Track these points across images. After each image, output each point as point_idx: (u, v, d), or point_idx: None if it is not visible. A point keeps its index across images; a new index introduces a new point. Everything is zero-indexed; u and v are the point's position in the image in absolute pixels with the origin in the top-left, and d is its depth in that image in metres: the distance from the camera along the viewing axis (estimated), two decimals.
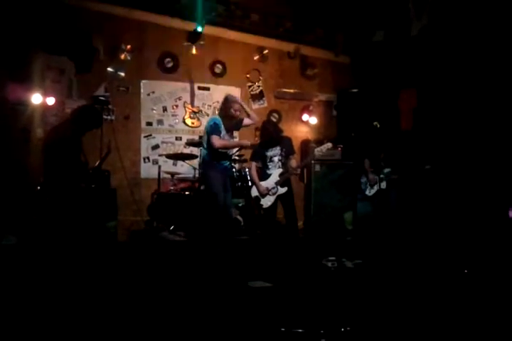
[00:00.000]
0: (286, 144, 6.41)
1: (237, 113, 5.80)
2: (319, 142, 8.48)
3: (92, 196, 5.78)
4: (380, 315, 3.94)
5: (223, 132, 5.75)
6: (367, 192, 6.91)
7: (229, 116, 5.76)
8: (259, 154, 6.43)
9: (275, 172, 6.28)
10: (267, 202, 6.28)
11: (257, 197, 6.33)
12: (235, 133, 7.29)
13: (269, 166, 6.35)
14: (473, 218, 6.28)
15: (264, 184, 6.30)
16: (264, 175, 6.37)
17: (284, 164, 6.29)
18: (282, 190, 6.23)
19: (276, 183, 6.23)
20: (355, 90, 8.74)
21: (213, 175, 5.74)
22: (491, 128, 6.44)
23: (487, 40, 6.54)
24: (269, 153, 6.35)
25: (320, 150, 6.21)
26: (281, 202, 6.36)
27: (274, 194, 6.25)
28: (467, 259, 5.51)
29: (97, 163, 5.97)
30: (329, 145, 6.20)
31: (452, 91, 7.07)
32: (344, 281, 5.15)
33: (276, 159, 6.32)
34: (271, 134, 6.33)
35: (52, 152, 5.28)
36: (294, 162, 6.34)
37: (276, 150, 6.33)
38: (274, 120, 8.99)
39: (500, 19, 6.35)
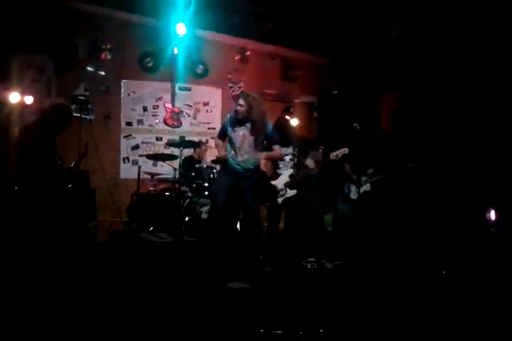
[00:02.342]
0: (301, 145, 6.17)
1: (238, 108, 5.29)
2: None
3: (71, 196, 5.72)
4: (359, 316, 3.96)
5: (229, 128, 5.42)
6: (351, 196, 6.91)
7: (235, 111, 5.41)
8: None
9: (285, 173, 6.01)
10: None
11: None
12: None
13: (280, 165, 6.08)
14: (451, 220, 6.33)
15: (272, 184, 6.04)
16: (273, 174, 6.09)
17: (296, 165, 6.05)
18: (291, 193, 5.97)
19: (286, 185, 5.96)
20: (336, 92, 8.78)
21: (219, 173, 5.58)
22: (471, 130, 6.50)
23: (467, 42, 6.62)
24: None
25: (335, 156, 5.92)
26: (284, 206, 6.09)
27: (282, 196, 5.99)
28: (445, 260, 5.56)
29: (73, 164, 5.89)
30: (346, 150, 5.91)
31: (433, 93, 7.14)
32: (324, 282, 5.17)
33: (287, 158, 6.05)
34: (285, 132, 6.06)
35: (25, 152, 5.20)
36: (310, 162, 6.10)
37: (289, 149, 6.07)
38: None
39: (480, 22, 6.42)
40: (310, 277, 5.45)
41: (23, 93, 6.94)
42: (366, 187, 6.80)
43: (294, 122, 9.02)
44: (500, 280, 4.79)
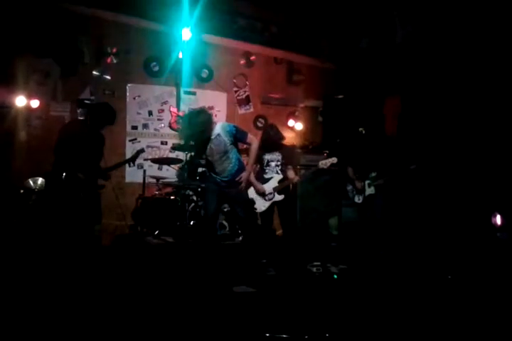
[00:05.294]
0: (287, 153, 6.30)
1: None
2: (304, 147, 8.54)
3: (78, 200, 5.73)
4: (365, 321, 3.95)
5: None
6: (356, 200, 6.89)
7: None
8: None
9: (275, 178, 6.15)
10: (261, 206, 6.13)
11: (252, 199, 6.12)
12: None
13: (266, 170, 6.21)
14: (456, 224, 6.32)
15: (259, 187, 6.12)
16: (260, 179, 6.18)
17: (283, 171, 6.19)
18: (279, 197, 6.10)
19: (274, 189, 6.10)
20: (340, 96, 8.79)
21: None
22: (476, 134, 6.50)
23: (470, 47, 6.63)
24: (267, 157, 6.22)
25: (324, 164, 6.15)
26: (277, 210, 6.25)
27: (269, 200, 6.11)
28: (451, 265, 5.54)
29: (112, 165, 6.05)
30: (334, 159, 6.13)
31: (436, 97, 7.14)
32: (329, 286, 5.16)
33: (273, 164, 6.19)
34: (271, 138, 6.18)
35: (68, 147, 5.34)
36: (291, 173, 6.25)
37: (275, 155, 6.20)
38: (260, 125, 9.02)
39: (483, 28, 6.43)
40: (315, 281, 5.44)
41: (29, 96, 6.98)
42: (370, 191, 6.78)
43: (298, 126, 9.08)
44: (506, 284, 4.78)
